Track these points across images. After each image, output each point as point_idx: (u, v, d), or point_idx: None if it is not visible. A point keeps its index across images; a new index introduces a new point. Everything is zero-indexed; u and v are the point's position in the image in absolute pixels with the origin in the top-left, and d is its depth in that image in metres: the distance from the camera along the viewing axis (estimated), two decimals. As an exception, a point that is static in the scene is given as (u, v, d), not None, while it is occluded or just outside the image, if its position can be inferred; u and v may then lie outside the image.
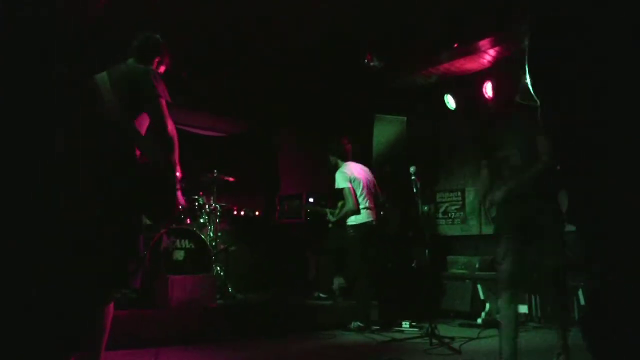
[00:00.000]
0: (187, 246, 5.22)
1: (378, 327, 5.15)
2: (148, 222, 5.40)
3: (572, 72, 1.28)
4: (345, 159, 5.72)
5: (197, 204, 5.77)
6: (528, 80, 1.38)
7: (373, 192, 5.66)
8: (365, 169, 5.80)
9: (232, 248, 6.38)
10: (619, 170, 1.18)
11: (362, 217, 5.45)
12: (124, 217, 2.58)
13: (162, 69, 3.02)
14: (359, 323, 5.23)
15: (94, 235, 2.52)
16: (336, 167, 5.68)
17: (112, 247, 2.53)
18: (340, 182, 5.53)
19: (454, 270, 6.53)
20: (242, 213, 6.90)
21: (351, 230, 5.48)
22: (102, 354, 2.70)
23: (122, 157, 2.62)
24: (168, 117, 2.67)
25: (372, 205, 5.55)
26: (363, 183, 5.57)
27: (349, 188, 5.46)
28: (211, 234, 5.90)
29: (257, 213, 7.40)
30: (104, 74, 2.75)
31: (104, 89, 2.68)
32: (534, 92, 1.37)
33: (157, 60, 2.95)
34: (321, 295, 6.20)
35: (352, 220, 5.46)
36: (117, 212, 2.54)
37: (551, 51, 1.33)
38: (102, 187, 2.53)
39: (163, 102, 2.67)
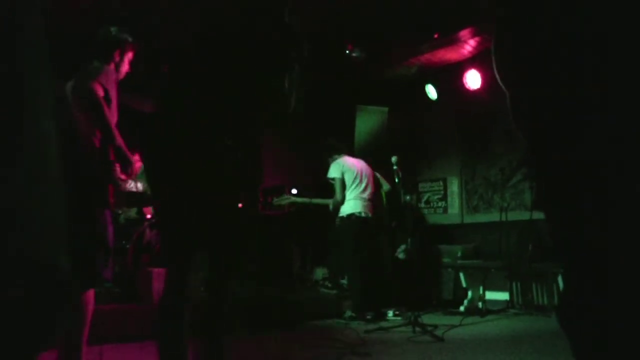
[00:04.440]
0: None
1: (370, 317, 5.21)
2: (133, 215, 5.40)
3: (537, 60, 1.30)
4: (341, 152, 5.75)
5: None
6: (495, 70, 1.39)
7: (371, 184, 5.64)
8: (362, 162, 5.78)
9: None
10: (588, 157, 1.20)
11: (350, 208, 5.45)
12: (82, 207, 2.63)
13: (129, 56, 3.04)
14: (351, 313, 5.29)
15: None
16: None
17: (74, 239, 2.55)
18: (332, 172, 5.56)
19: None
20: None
21: (339, 222, 5.49)
22: (84, 349, 2.70)
23: (75, 157, 2.69)
24: (94, 96, 2.66)
25: (368, 197, 5.53)
26: (358, 173, 5.56)
27: (339, 179, 5.48)
28: (194, 227, 5.85)
29: (239, 205, 7.37)
30: (71, 81, 2.85)
31: (68, 92, 2.79)
32: (500, 81, 1.39)
33: (117, 52, 2.96)
34: (328, 284, 6.25)
35: (341, 211, 5.48)
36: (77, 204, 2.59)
37: (516, 40, 1.35)
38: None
39: (94, 84, 2.66)
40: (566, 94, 1.23)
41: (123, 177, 2.92)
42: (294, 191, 7.08)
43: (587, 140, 1.19)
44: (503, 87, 1.38)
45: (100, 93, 2.68)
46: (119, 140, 2.73)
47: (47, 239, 0.69)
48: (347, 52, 6.50)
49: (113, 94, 2.79)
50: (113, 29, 3.00)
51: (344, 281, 6.02)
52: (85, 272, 2.67)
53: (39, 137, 0.67)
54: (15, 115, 0.63)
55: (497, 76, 1.39)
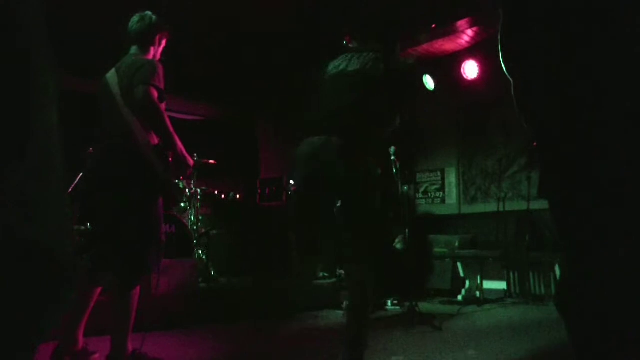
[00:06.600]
0: (168, 231, 5.19)
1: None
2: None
3: (543, 50, 1.30)
4: None
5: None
6: (501, 59, 1.40)
7: None
8: None
9: (214, 232, 6.36)
10: (592, 147, 1.20)
11: None
12: (140, 204, 2.72)
13: (164, 42, 3.04)
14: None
15: (112, 225, 2.72)
16: None
17: (132, 235, 2.69)
18: None
19: (435, 249, 6.62)
20: (223, 197, 6.88)
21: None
22: (130, 338, 2.73)
23: (126, 150, 2.72)
24: (154, 103, 2.65)
25: None
26: None
27: None
28: (192, 218, 5.87)
29: (237, 196, 7.39)
30: (113, 70, 2.84)
31: (113, 86, 2.76)
32: (506, 70, 1.39)
33: (158, 37, 2.96)
34: (325, 274, 6.26)
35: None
36: (134, 202, 2.70)
37: (523, 32, 1.35)
38: (114, 182, 2.73)
39: (150, 89, 2.64)
40: (572, 84, 1.23)
41: (181, 178, 2.94)
42: (291, 182, 7.10)
43: (592, 130, 1.20)
44: (508, 76, 1.39)
45: (156, 96, 2.66)
46: (180, 146, 2.74)
47: (52, 229, 0.70)
48: (345, 43, 6.46)
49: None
50: (150, 14, 2.96)
51: (342, 271, 6.04)
52: (134, 262, 2.71)
53: (44, 129, 0.68)
54: (23, 108, 0.64)
55: (503, 66, 1.39)
